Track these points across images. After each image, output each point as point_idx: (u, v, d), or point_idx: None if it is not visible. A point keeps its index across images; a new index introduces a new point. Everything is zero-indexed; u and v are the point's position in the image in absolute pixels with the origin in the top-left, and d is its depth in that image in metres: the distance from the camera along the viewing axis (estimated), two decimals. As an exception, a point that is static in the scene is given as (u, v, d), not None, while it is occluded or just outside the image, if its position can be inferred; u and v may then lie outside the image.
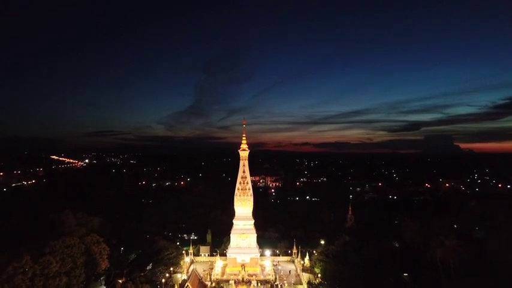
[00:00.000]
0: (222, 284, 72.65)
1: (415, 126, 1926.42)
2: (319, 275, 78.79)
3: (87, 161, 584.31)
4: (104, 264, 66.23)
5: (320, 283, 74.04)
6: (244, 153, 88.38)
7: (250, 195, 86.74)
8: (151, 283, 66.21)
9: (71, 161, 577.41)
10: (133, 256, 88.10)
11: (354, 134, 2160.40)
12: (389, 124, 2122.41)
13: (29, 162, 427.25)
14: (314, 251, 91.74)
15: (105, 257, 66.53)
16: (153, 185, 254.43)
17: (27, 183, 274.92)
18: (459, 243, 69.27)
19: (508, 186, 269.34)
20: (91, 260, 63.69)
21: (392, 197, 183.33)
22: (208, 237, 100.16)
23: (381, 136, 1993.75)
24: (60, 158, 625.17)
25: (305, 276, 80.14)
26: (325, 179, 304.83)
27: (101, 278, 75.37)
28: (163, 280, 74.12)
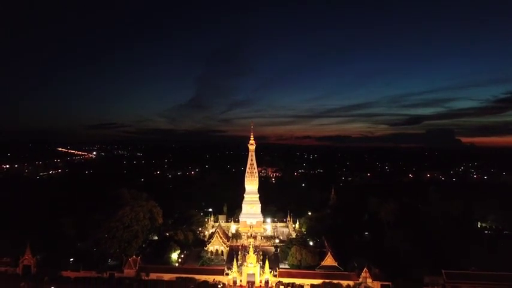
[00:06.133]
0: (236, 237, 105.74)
1: (416, 120, 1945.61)
2: (305, 233, 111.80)
3: (95, 153, 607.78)
4: (160, 220, 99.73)
5: (304, 235, 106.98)
6: (252, 147, 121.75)
7: (256, 177, 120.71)
8: (192, 232, 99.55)
9: (80, 153, 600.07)
10: (170, 221, 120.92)
11: (355, 127, 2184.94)
12: (391, 118, 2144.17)
13: (41, 154, 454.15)
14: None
15: (160, 215, 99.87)
16: (168, 174, 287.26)
17: (53, 172, 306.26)
18: (396, 207, 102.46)
19: (485, 177, 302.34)
20: (152, 216, 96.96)
21: (374, 184, 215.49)
22: (225, 209, 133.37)
23: (382, 130, 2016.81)
24: (69, 151, 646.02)
25: (294, 234, 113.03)
26: (321, 171, 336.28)
27: (152, 233, 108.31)
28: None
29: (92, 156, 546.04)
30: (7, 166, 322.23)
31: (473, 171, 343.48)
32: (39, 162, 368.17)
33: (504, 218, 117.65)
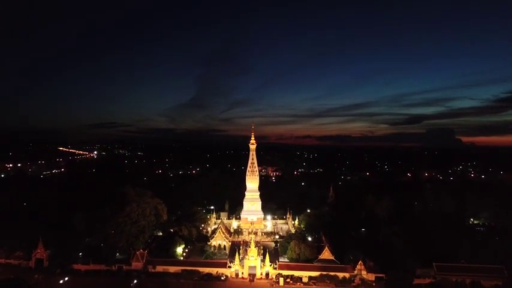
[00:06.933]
0: (238, 233, 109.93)
1: (416, 119, 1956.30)
2: (304, 229, 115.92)
3: (95, 152, 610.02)
4: (164, 217, 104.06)
5: (303, 231, 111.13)
6: (252, 146, 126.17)
7: (257, 176, 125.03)
8: (195, 228, 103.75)
9: (81, 152, 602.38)
10: (174, 218, 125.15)
11: (355, 127, 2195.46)
12: (391, 117, 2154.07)
13: (42, 154, 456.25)
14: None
15: (165, 212, 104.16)
16: (169, 173, 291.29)
17: (55, 172, 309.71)
18: (391, 204, 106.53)
19: (483, 176, 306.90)
20: (157, 212, 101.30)
21: (373, 183, 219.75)
22: (226, 206, 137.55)
23: (382, 129, 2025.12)
24: (70, 150, 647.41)
25: (294, 230, 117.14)
26: (321, 170, 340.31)
27: (156, 229, 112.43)
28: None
29: (93, 156, 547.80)
30: (10, 165, 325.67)
31: (471, 171, 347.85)
32: (41, 162, 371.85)
33: (497, 215, 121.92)
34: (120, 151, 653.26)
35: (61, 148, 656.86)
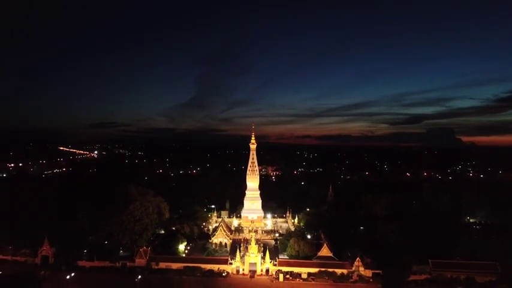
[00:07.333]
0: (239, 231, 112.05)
1: (416, 119, 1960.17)
2: (303, 227, 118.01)
3: (96, 152, 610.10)
4: (167, 215, 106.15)
5: (302, 229, 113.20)
6: (253, 146, 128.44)
7: (257, 175, 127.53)
8: (197, 226, 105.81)
9: (82, 152, 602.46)
10: (176, 216, 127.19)
11: (355, 126, 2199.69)
12: (391, 117, 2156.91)
13: (42, 154, 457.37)
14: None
15: (167, 210, 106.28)
16: (170, 173, 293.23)
17: (57, 171, 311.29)
18: (389, 202, 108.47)
19: (482, 176, 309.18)
20: (159, 211, 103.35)
21: (372, 183, 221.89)
22: (227, 205, 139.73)
23: (382, 129, 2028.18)
24: (70, 150, 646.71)
25: (293, 228, 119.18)
26: (321, 170, 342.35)
27: (159, 227, 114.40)
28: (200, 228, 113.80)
29: (93, 155, 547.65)
30: (11, 165, 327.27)
31: (470, 170, 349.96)
32: (42, 161, 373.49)
33: (494, 214, 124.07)
34: (121, 151, 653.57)
35: (61, 148, 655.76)
